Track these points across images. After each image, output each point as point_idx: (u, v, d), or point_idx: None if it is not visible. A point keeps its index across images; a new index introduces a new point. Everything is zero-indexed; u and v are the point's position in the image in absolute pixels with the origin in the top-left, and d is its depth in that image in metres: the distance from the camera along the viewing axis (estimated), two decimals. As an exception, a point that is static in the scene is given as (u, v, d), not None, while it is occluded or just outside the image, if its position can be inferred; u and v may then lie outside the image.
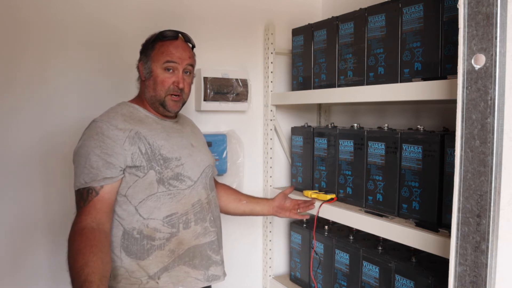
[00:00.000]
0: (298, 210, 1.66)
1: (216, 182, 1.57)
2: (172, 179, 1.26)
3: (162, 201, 1.24)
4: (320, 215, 1.64)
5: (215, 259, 1.34)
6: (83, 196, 1.16)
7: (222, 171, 1.90)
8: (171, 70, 1.29)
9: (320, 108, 2.20)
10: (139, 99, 1.35)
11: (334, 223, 1.83)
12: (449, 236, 0.95)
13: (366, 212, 1.49)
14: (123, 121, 1.24)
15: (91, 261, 1.06)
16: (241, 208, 1.60)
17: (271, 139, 2.02)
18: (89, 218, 1.13)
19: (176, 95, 1.31)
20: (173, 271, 1.25)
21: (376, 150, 1.48)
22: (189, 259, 1.27)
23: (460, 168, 0.85)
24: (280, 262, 2.15)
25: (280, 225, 2.14)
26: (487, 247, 0.80)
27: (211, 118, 1.91)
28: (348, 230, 1.75)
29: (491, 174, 0.80)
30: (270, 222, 2.05)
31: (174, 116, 1.39)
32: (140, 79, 1.37)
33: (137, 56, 1.37)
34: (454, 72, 0.88)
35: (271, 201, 1.67)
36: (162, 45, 1.29)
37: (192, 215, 1.29)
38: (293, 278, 1.97)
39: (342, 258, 1.64)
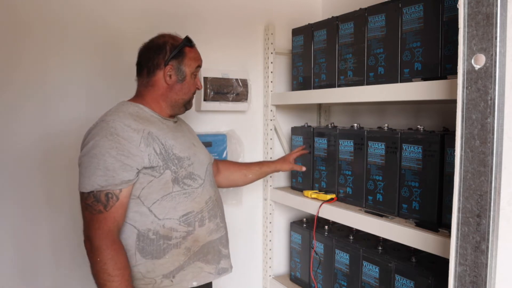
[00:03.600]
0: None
1: (219, 162, 1.66)
2: (186, 178, 1.27)
3: (177, 201, 1.25)
4: (320, 215, 1.64)
5: (224, 253, 1.38)
6: (101, 200, 1.14)
7: (222, 171, 1.90)
8: (195, 75, 1.38)
9: (320, 108, 2.20)
10: (140, 98, 1.33)
11: (334, 223, 1.83)
12: (449, 236, 0.95)
13: (366, 212, 1.49)
14: (134, 120, 1.22)
15: (128, 280, 1.15)
16: (248, 180, 1.71)
17: (271, 139, 2.02)
18: (115, 226, 1.16)
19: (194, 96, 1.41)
20: (189, 268, 1.27)
21: (376, 150, 1.48)
22: (203, 255, 1.31)
23: (460, 168, 0.85)
24: (280, 262, 2.15)
25: (280, 225, 2.14)
26: (487, 247, 0.80)
27: (211, 118, 1.91)
28: (348, 230, 1.75)
29: (491, 174, 0.80)
30: (270, 222, 2.05)
31: (173, 116, 1.40)
32: (144, 79, 1.32)
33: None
34: (454, 72, 0.88)
35: (275, 164, 1.75)
36: (191, 51, 1.35)
37: (206, 212, 1.32)
38: (293, 278, 1.97)
39: (342, 258, 1.64)
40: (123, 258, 1.15)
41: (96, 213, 1.14)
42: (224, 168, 1.66)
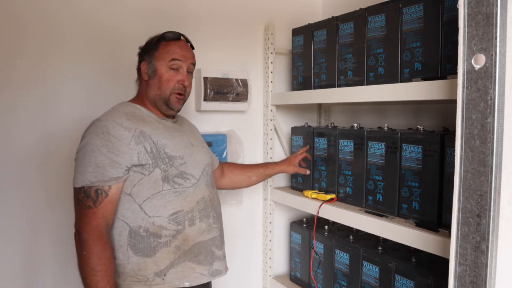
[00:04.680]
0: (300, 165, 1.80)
1: (224, 164, 1.68)
2: (177, 177, 1.28)
3: (167, 199, 1.26)
4: (320, 215, 1.64)
5: (218, 255, 1.37)
6: (91, 196, 1.17)
7: (222, 171, 1.90)
8: (176, 69, 1.32)
9: (320, 108, 2.20)
10: (139, 99, 1.37)
11: (334, 223, 1.83)
12: (449, 236, 0.95)
13: (366, 212, 1.49)
14: (127, 120, 1.25)
15: (110, 275, 1.16)
16: (252, 183, 1.73)
17: (271, 139, 2.02)
18: (104, 222, 1.18)
19: (180, 94, 1.34)
20: (179, 267, 1.27)
21: (376, 150, 1.48)
22: (194, 255, 1.30)
23: (460, 168, 0.85)
24: (280, 262, 2.15)
25: (280, 225, 2.14)
26: (487, 247, 0.80)
27: (211, 118, 1.91)
28: (348, 230, 1.75)
29: (491, 174, 0.80)
30: (270, 222, 2.05)
31: (173, 116, 1.41)
32: (140, 80, 1.38)
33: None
34: (454, 72, 0.88)
35: (279, 166, 1.76)
36: (167, 45, 1.33)
37: (197, 212, 1.31)
38: (293, 278, 1.97)
39: (342, 258, 1.64)
40: (108, 254, 1.17)
41: (86, 208, 1.17)
42: (228, 170, 1.67)
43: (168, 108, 1.34)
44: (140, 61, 1.37)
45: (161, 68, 1.31)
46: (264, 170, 1.73)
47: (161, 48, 1.32)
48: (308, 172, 1.79)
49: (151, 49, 1.33)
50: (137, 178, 1.23)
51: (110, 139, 1.19)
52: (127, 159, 1.20)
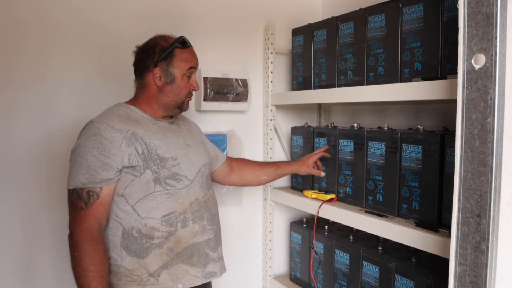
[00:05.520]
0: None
1: (233, 160, 1.68)
2: (169, 179, 1.27)
3: (159, 200, 1.25)
4: (320, 215, 1.64)
5: (212, 257, 1.36)
6: (83, 197, 1.18)
7: (222, 171, 1.90)
8: (189, 76, 1.36)
9: (320, 108, 2.20)
10: (135, 101, 1.35)
11: (334, 223, 1.83)
12: (449, 236, 0.95)
13: (366, 212, 1.49)
14: (120, 121, 1.25)
15: (102, 276, 1.18)
16: (262, 182, 1.71)
17: (271, 139, 2.02)
18: (96, 223, 1.19)
19: (190, 97, 1.39)
20: (172, 269, 1.27)
21: (376, 150, 1.48)
22: (187, 257, 1.30)
23: (460, 168, 0.85)
24: (280, 262, 2.15)
25: (280, 225, 2.14)
26: (487, 247, 0.80)
27: (211, 118, 1.91)
28: (348, 230, 1.75)
29: (491, 174, 0.80)
30: (271, 222, 2.05)
31: (170, 116, 1.40)
32: (142, 83, 1.34)
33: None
34: (454, 72, 0.88)
35: (291, 166, 1.72)
36: (183, 52, 1.33)
37: (190, 213, 1.31)
38: (293, 278, 1.97)
39: (342, 258, 1.64)
40: (100, 254, 1.18)
41: (78, 210, 1.19)
42: (238, 167, 1.66)
43: (181, 110, 1.38)
44: (146, 64, 1.31)
45: (179, 76, 1.33)
46: (275, 169, 1.70)
47: (177, 56, 1.31)
48: (323, 174, 1.70)
49: (166, 56, 1.30)
50: (128, 180, 1.23)
51: (101, 141, 1.20)
52: (118, 161, 1.20)
